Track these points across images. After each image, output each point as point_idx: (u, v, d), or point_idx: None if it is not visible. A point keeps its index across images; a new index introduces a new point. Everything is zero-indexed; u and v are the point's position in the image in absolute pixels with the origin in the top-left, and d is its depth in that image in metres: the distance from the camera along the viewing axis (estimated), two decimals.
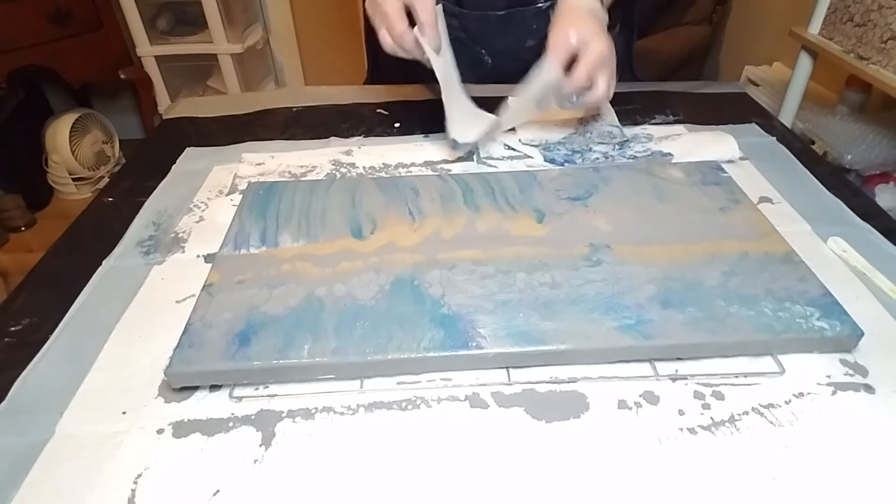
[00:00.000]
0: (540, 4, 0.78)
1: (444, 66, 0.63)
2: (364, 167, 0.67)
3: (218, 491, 0.35)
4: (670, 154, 0.65)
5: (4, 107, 1.75)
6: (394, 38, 0.59)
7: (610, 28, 0.82)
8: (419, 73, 0.66)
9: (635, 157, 0.66)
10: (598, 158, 0.66)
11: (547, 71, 0.61)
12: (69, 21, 1.71)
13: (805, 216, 0.57)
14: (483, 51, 0.83)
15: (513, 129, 0.71)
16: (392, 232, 0.53)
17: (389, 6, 0.58)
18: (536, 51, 0.82)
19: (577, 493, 0.34)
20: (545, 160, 0.67)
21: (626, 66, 0.89)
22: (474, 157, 0.69)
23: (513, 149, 0.69)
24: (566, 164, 0.66)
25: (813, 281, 0.46)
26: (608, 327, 0.42)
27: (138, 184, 0.66)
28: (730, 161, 0.66)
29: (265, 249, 0.51)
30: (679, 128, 0.73)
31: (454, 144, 0.64)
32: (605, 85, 0.60)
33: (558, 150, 0.68)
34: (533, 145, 0.69)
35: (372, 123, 0.77)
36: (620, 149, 0.68)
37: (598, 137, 0.69)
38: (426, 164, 0.68)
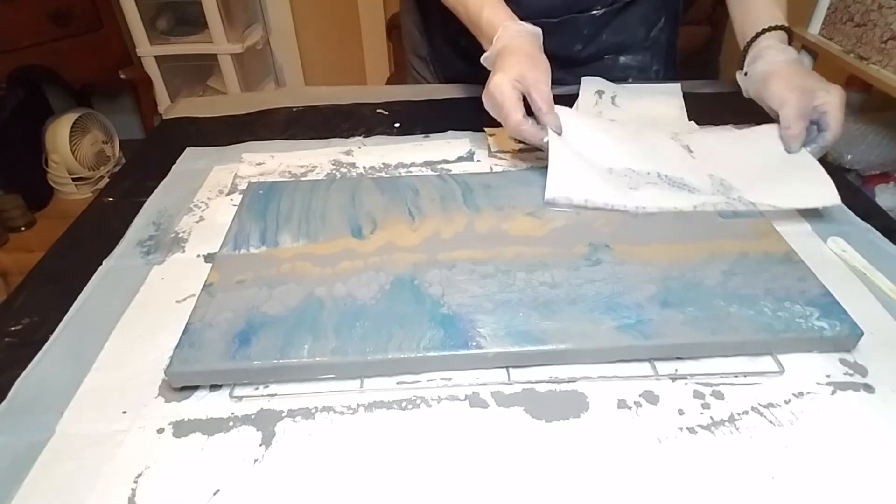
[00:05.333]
0: (595, 12, 0.79)
1: (560, 139, 0.60)
2: (364, 167, 0.67)
3: (218, 490, 0.35)
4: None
5: (4, 107, 1.75)
6: (510, 128, 0.59)
7: (654, 24, 0.83)
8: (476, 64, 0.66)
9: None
10: None
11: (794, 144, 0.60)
12: (69, 21, 1.71)
13: (805, 216, 0.57)
14: None
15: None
16: (392, 232, 0.53)
17: (506, 98, 0.58)
18: (582, 54, 0.82)
19: (577, 493, 0.34)
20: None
21: (670, 61, 0.89)
22: (476, 155, 0.69)
23: (522, 142, 0.69)
24: None
25: (812, 281, 0.46)
26: (608, 327, 0.42)
27: (138, 184, 0.66)
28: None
29: (265, 249, 0.51)
30: (691, 124, 0.72)
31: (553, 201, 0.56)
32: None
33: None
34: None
35: (372, 123, 0.77)
36: None
37: None
38: (426, 164, 0.68)
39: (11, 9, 1.60)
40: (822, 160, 0.60)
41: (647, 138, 0.63)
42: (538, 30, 0.65)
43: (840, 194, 0.60)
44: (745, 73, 0.68)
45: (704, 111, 0.74)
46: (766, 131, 0.62)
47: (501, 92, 0.58)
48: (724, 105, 0.80)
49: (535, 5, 0.77)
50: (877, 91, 1.28)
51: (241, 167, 0.68)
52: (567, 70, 0.84)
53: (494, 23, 0.64)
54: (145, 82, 1.95)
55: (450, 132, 0.74)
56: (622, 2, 0.79)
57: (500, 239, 0.51)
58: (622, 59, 0.85)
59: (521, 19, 0.77)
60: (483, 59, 0.66)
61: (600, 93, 0.76)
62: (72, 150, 1.85)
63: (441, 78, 0.92)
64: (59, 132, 1.83)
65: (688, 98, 0.75)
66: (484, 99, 0.61)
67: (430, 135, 0.74)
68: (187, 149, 0.73)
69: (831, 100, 0.59)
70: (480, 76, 0.84)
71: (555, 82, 0.84)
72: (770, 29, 0.67)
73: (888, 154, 1.18)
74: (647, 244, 0.50)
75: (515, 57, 0.60)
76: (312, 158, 0.69)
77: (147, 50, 1.92)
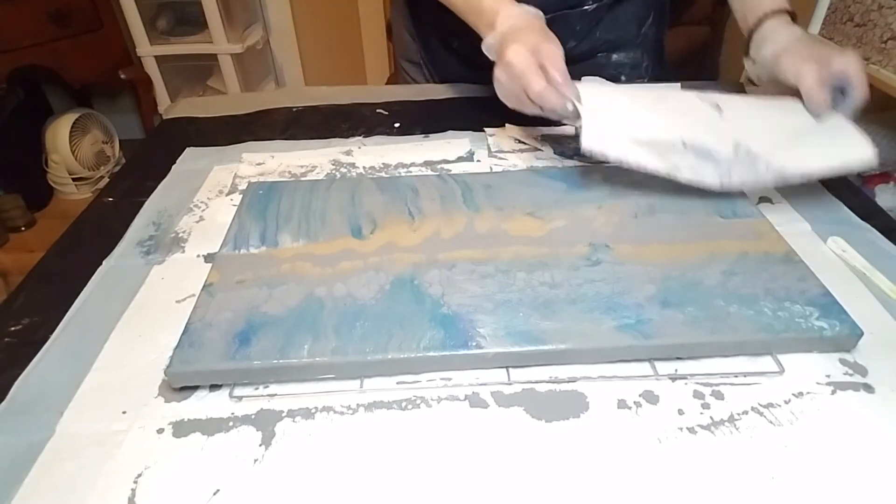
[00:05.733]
0: (586, 7, 0.78)
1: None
2: (364, 167, 0.67)
3: (218, 491, 0.35)
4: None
5: (4, 107, 1.75)
6: (533, 96, 0.58)
7: (644, 20, 0.82)
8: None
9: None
10: None
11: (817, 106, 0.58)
12: (69, 21, 1.71)
13: (805, 216, 0.57)
14: None
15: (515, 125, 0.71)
16: (392, 232, 0.53)
17: (525, 65, 0.57)
18: (575, 52, 0.83)
19: (577, 493, 0.34)
20: (555, 153, 0.67)
21: (659, 57, 0.89)
22: (476, 155, 0.69)
23: (523, 142, 0.69)
24: (575, 157, 0.66)
25: (812, 280, 0.46)
26: (608, 327, 0.42)
27: (138, 184, 0.66)
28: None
29: (265, 249, 0.51)
30: None
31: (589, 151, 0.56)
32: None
33: (569, 143, 0.68)
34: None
35: (372, 123, 0.77)
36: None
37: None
38: (426, 164, 0.68)
39: (11, 9, 1.60)
40: None
41: (672, 102, 0.62)
42: (540, 11, 0.65)
43: (840, 194, 0.61)
44: (753, 61, 0.67)
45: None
46: (792, 102, 0.60)
47: (521, 60, 0.57)
48: None
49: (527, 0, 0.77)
50: (877, 91, 1.28)
51: (241, 167, 0.68)
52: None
53: (495, 7, 0.64)
54: (145, 82, 1.95)
55: (450, 132, 0.74)
56: None
57: (500, 239, 0.51)
58: (615, 56, 0.85)
59: None
60: (485, 46, 0.65)
61: None
62: (72, 150, 1.85)
63: (436, 81, 0.92)
64: (59, 132, 1.83)
65: None
66: (498, 75, 0.61)
67: (430, 135, 0.74)
68: (187, 149, 0.73)
69: (849, 61, 0.58)
70: (475, 78, 0.83)
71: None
72: (773, 13, 0.66)
73: (888, 154, 1.18)
74: (647, 244, 0.50)
75: (527, 31, 0.60)
76: (312, 158, 0.69)
77: (147, 50, 1.92)
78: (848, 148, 0.55)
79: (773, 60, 0.63)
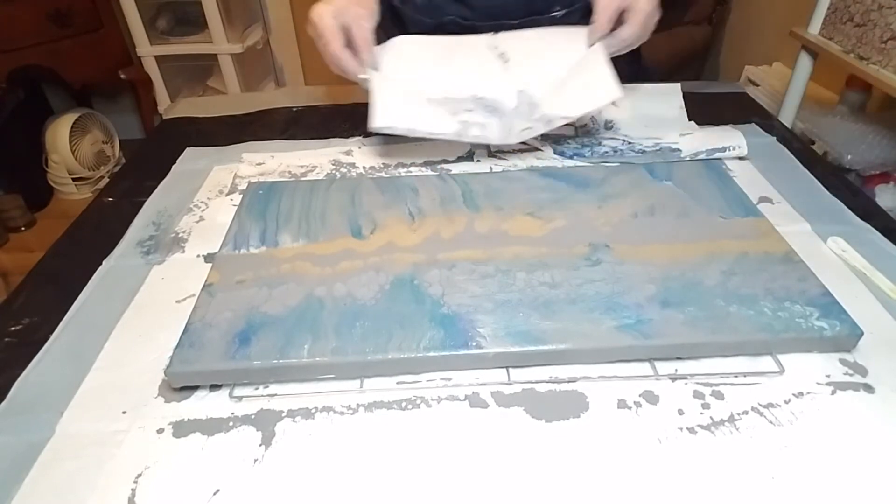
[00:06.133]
0: (554, 13, 0.78)
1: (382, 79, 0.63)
2: (364, 167, 0.67)
3: (218, 491, 0.35)
4: (679, 150, 0.65)
5: (4, 107, 1.75)
6: (327, 58, 0.60)
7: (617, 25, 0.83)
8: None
9: (644, 151, 0.65)
10: (607, 153, 0.66)
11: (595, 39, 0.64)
12: (69, 21, 1.71)
13: (805, 216, 0.57)
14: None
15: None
16: (392, 232, 0.53)
17: (324, 26, 0.58)
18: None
19: (577, 493, 0.34)
20: (555, 153, 0.67)
21: (636, 59, 0.88)
22: (476, 155, 0.69)
23: (523, 143, 0.69)
24: (575, 157, 0.66)
25: (812, 280, 0.46)
26: (608, 327, 0.42)
27: (138, 184, 0.66)
28: (739, 157, 0.66)
29: (265, 249, 0.51)
30: (691, 124, 0.73)
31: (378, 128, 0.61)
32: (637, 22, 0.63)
33: (568, 143, 0.68)
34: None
35: None
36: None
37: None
38: (426, 164, 0.68)
39: (11, 9, 1.60)
40: (822, 160, 0.60)
41: (465, 58, 0.67)
42: None
43: (840, 194, 0.61)
44: None
45: (704, 111, 0.74)
46: (579, 31, 0.66)
47: (321, 20, 0.58)
48: (724, 105, 0.80)
49: (490, 7, 0.76)
50: (877, 91, 1.28)
51: (241, 167, 0.68)
52: None
53: None
54: (145, 82, 1.95)
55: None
56: (581, 1, 0.78)
57: (500, 239, 0.51)
58: None
59: (480, 21, 0.77)
60: None
61: None
62: (72, 150, 1.85)
63: None
64: (59, 132, 1.83)
65: (688, 98, 0.75)
66: (308, 30, 0.62)
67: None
68: (187, 149, 0.73)
69: (638, 1, 0.61)
70: None
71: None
72: None
73: (888, 154, 1.18)
74: (647, 244, 0.50)
75: None
76: (312, 158, 0.69)
77: (147, 50, 1.92)
78: (596, 87, 0.61)
79: None
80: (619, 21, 0.64)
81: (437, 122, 0.61)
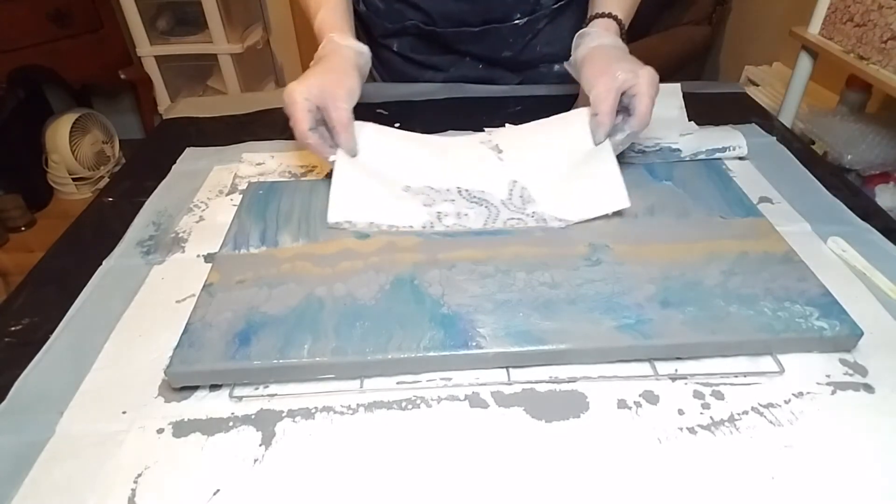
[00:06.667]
0: (516, 21, 0.77)
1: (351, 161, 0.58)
2: None
3: (218, 491, 0.35)
4: (679, 150, 0.65)
5: (4, 107, 1.75)
6: (297, 136, 0.57)
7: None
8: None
9: (644, 151, 0.65)
10: None
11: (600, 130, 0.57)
12: (69, 21, 1.71)
13: (805, 216, 0.57)
14: (465, 58, 0.83)
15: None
16: (392, 232, 0.53)
17: (295, 108, 0.56)
18: (513, 60, 0.82)
19: (577, 493, 0.34)
20: None
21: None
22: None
23: None
24: None
25: (812, 280, 0.46)
26: (608, 327, 0.42)
27: (138, 184, 0.66)
28: (739, 157, 0.66)
29: (265, 249, 0.51)
30: (691, 125, 0.73)
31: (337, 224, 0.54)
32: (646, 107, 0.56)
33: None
34: None
35: None
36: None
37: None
38: None
39: (11, 9, 1.60)
40: (822, 160, 0.60)
41: (454, 148, 0.62)
42: (364, 49, 0.63)
43: (840, 194, 0.61)
44: (571, 62, 0.65)
45: (704, 111, 0.74)
46: (579, 117, 0.59)
47: (292, 101, 0.56)
48: (724, 105, 0.80)
49: (449, 16, 0.76)
50: (877, 91, 1.28)
51: (241, 167, 0.68)
52: (506, 70, 0.84)
53: (324, 30, 0.63)
54: (145, 82, 1.96)
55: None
56: (544, 10, 0.77)
57: (500, 239, 0.51)
58: (556, 67, 0.85)
59: (438, 27, 0.76)
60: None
61: None
62: (72, 150, 1.85)
63: (385, 80, 0.91)
64: (59, 132, 1.83)
65: (688, 98, 0.75)
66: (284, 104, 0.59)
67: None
68: (187, 149, 0.73)
69: (640, 82, 0.55)
70: (424, 76, 0.83)
71: (495, 81, 0.83)
72: (598, 16, 0.64)
73: (888, 154, 1.18)
74: (647, 244, 0.50)
75: (321, 70, 0.59)
76: (312, 158, 0.69)
77: (147, 50, 1.92)
78: (603, 193, 0.55)
79: (580, 65, 0.61)
80: (620, 104, 0.57)
81: (403, 215, 0.54)
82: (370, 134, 0.60)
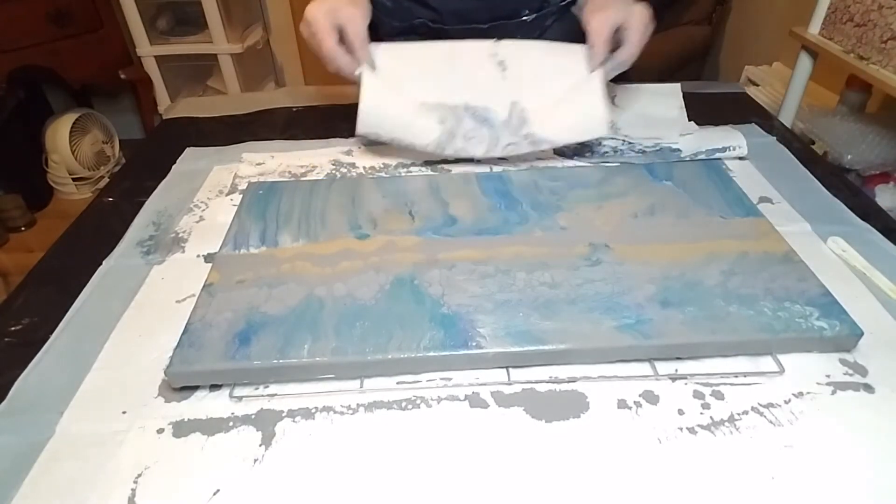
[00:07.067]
0: (524, 17, 0.78)
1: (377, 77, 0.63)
2: (364, 167, 0.67)
3: (218, 491, 0.35)
4: (679, 150, 0.65)
5: (4, 107, 1.75)
6: (323, 56, 0.60)
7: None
8: None
9: (644, 151, 0.65)
10: (607, 152, 0.66)
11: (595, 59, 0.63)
12: (69, 21, 1.71)
13: (805, 216, 0.57)
14: None
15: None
16: (392, 232, 0.53)
17: (318, 24, 0.59)
18: None
19: (577, 493, 0.34)
20: (555, 153, 0.67)
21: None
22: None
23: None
24: (575, 157, 0.66)
25: (812, 280, 0.46)
26: (608, 327, 0.42)
27: (138, 184, 0.66)
28: (739, 157, 0.66)
29: (265, 249, 0.51)
30: (691, 125, 0.73)
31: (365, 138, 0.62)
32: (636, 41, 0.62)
33: (568, 143, 0.67)
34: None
35: None
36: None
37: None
38: (426, 164, 0.68)
39: (11, 9, 1.60)
40: (822, 160, 0.60)
41: (463, 63, 0.66)
42: None
43: (840, 194, 0.61)
44: (578, 6, 0.70)
45: (704, 111, 0.74)
46: (580, 49, 0.65)
47: (315, 19, 0.59)
48: (724, 105, 0.80)
49: (458, 13, 0.76)
50: (877, 91, 1.28)
51: (241, 167, 0.68)
52: None
53: None
54: (145, 82, 1.95)
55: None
56: (552, 6, 0.78)
57: (500, 239, 0.51)
58: None
59: (446, 25, 0.77)
60: None
61: None
62: (72, 150, 1.85)
63: None
64: (59, 132, 1.83)
65: (688, 98, 0.75)
66: (302, 29, 0.62)
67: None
68: (187, 149, 0.73)
69: (632, 18, 0.61)
70: None
71: None
72: None
73: (888, 154, 1.18)
74: (647, 244, 0.50)
75: None
76: (312, 158, 0.69)
77: (147, 50, 1.92)
78: (586, 120, 0.62)
79: (580, 8, 0.66)
80: (614, 39, 0.63)
81: (420, 132, 0.61)
82: (385, 52, 0.64)
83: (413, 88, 0.64)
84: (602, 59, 0.62)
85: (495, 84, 0.65)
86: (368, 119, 0.59)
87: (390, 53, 0.65)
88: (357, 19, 0.60)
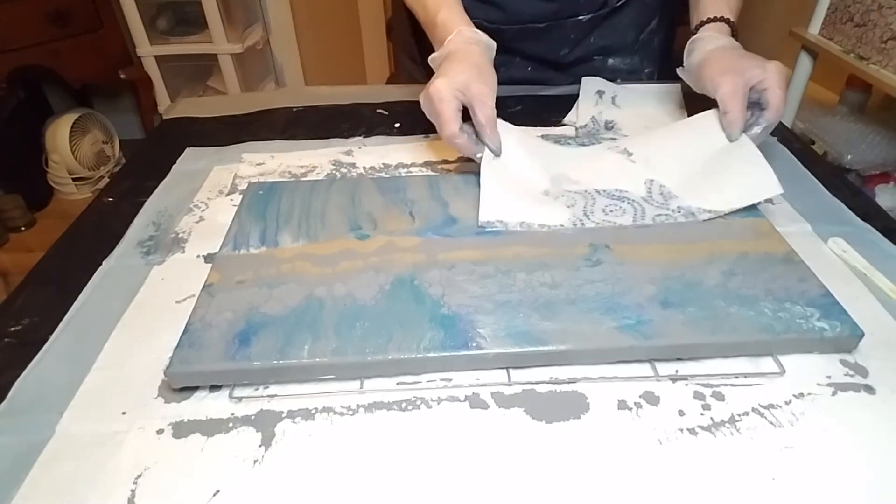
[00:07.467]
0: (581, 17, 0.78)
1: (495, 160, 0.58)
2: (364, 167, 0.67)
3: (218, 491, 0.35)
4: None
5: (4, 107, 1.75)
6: (444, 137, 0.57)
7: (644, 26, 0.82)
8: None
9: (669, 214, 0.62)
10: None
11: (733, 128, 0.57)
12: (69, 21, 1.71)
13: (805, 216, 0.57)
14: (517, 58, 0.84)
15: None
16: (392, 232, 0.53)
17: (444, 107, 0.55)
18: (569, 58, 0.82)
19: (577, 494, 0.34)
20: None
21: (666, 62, 0.89)
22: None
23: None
24: None
25: (813, 281, 0.46)
26: (608, 327, 0.42)
27: (138, 184, 0.66)
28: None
29: (265, 249, 0.51)
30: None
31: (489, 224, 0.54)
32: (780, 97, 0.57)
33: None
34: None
35: (372, 123, 0.77)
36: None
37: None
38: (426, 164, 0.68)
39: (11, 9, 1.60)
40: (822, 160, 0.60)
41: (585, 154, 0.62)
42: (492, 43, 0.64)
43: (840, 194, 0.60)
44: (685, 69, 0.66)
45: (704, 111, 0.74)
46: (707, 119, 0.59)
47: (441, 98, 0.55)
48: None
49: (521, 11, 0.76)
50: (877, 91, 1.28)
51: (241, 167, 0.68)
52: (555, 71, 0.84)
53: (449, 26, 0.63)
54: (145, 82, 1.95)
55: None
56: (610, 7, 0.79)
57: (500, 239, 0.51)
58: (610, 61, 0.85)
59: (506, 24, 0.76)
60: (430, 59, 0.64)
61: (601, 93, 0.76)
62: (72, 150, 1.85)
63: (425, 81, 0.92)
64: (59, 132, 1.83)
65: (688, 98, 0.75)
66: (422, 101, 0.59)
67: (430, 135, 0.74)
68: (187, 149, 0.73)
69: (769, 76, 0.56)
70: None
71: (543, 83, 0.84)
72: (709, 20, 0.65)
73: (888, 154, 1.18)
74: (648, 244, 0.50)
75: (462, 65, 0.58)
76: (312, 158, 0.69)
77: (147, 50, 1.92)
78: (754, 181, 0.54)
79: (698, 69, 0.61)
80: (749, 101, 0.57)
81: (550, 215, 0.54)
82: (511, 135, 0.59)
83: (537, 175, 0.58)
84: (741, 126, 0.56)
85: (625, 169, 0.59)
86: (491, 206, 0.53)
87: (512, 139, 0.59)
88: (487, 100, 0.56)
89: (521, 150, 0.59)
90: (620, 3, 0.79)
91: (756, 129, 0.57)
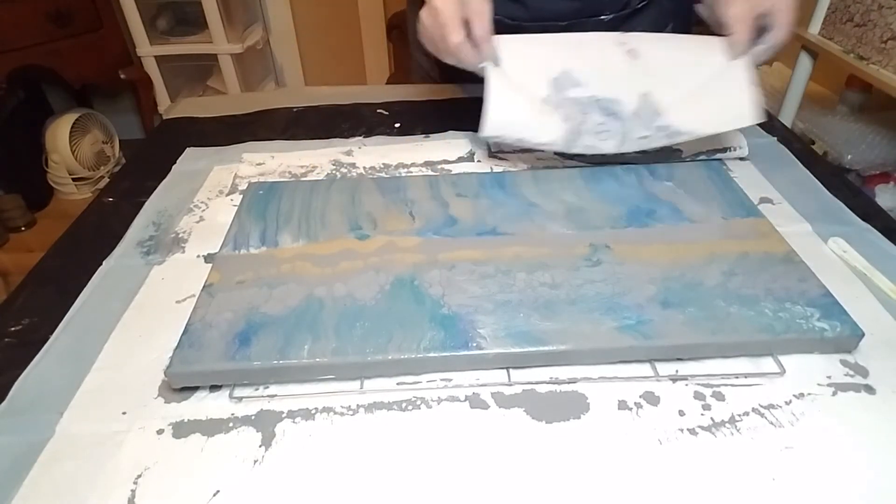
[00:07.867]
0: (603, 17, 0.78)
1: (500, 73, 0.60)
2: (364, 167, 0.67)
3: (218, 491, 0.35)
4: (679, 150, 0.65)
5: (4, 107, 1.75)
6: (448, 48, 0.59)
7: (662, 28, 0.82)
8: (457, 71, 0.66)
9: (644, 151, 0.65)
10: (606, 153, 0.66)
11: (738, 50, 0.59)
12: (69, 21, 1.71)
13: (805, 216, 0.57)
14: None
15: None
16: (392, 232, 0.53)
17: (447, 15, 0.58)
18: None
19: (578, 494, 0.34)
20: (555, 153, 0.67)
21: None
22: (476, 155, 0.69)
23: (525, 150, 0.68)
24: (575, 157, 0.66)
25: (813, 281, 0.46)
26: (608, 327, 0.42)
27: (138, 184, 0.66)
28: (739, 157, 0.66)
29: (265, 249, 0.51)
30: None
31: (492, 143, 0.58)
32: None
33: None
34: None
35: (372, 123, 0.77)
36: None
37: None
38: (426, 164, 0.68)
39: (11, 9, 1.60)
40: (822, 160, 0.60)
41: (591, 51, 0.64)
42: None
43: (840, 194, 0.60)
44: (705, 4, 0.66)
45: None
46: (716, 41, 0.61)
47: (447, 8, 0.58)
48: None
49: (544, 9, 0.76)
50: (877, 91, 1.28)
51: (241, 167, 0.68)
52: None
53: None
54: (145, 82, 1.95)
55: (450, 132, 0.74)
56: (632, 7, 0.79)
57: (500, 239, 0.51)
58: None
59: (527, 21, 0.77)
60: None
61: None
62: (72, 150, 1.85)
63: (447, 73, 0.92)
64: (59, 132, 1.83)
65: None
66: (423, 16, 0.61)
67: (430, 135, 0.74)
68: (187, 149, 0.73)
69: (778, 2, 0.57)
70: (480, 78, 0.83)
71: None
72: None
73: (888, 154, 1.18)
74: (648, 244, 0.50)
75: None
76: (312, 158, 0.69)
77: (147, 50, 1.92)
78: (735, 107, 0.57)
79: (709, 2, 0.63)
80: (757, 28, 0.59)
81: (546, 131, 0.58)
82: (507, 45, 0.62)
83: (537, 83, 0.61)
84: (746, 46, 0.59)
85: (625, 72, 0.61)
86: (496, 119, 0.56)
87: (513, 46, 0.62)
88: (485, 13, 0.59)
89: (520, 59, 0.61)
90: (642, 4, 0.79)
91: (761, 46, 0.59)
